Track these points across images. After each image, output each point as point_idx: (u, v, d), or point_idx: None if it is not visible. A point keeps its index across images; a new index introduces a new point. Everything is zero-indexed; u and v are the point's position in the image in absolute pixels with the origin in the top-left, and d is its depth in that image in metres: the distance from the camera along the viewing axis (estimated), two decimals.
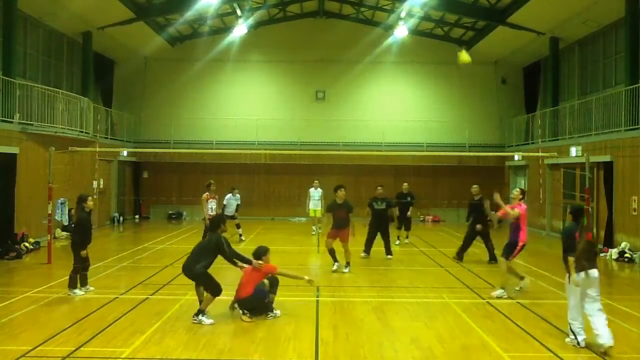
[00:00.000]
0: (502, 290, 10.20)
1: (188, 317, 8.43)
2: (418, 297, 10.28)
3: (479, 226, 14.10)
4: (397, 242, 17.22)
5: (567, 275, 7.30)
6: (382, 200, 14.34)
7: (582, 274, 7.13)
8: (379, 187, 14.69)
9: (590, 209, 14.10)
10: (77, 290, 9.91)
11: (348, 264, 12.55)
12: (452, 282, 11.68)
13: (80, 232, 9.99)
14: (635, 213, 15.30)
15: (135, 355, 6.80)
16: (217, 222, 8.82)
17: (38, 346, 7.02)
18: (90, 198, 10.24)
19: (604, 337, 6.95)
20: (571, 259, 7.23)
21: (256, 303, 8.51)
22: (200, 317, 8.14)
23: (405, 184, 18.01)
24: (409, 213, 17.26)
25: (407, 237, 17.61)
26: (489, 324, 8.38)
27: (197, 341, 7.37)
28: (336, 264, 12.56)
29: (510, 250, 10.31)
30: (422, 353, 7.03)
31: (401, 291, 10.82)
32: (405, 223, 17.33)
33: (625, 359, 6.92)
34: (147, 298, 9.74)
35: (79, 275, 10.02)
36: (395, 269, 13.38)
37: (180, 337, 7.51)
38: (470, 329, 8.09)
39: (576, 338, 7.20)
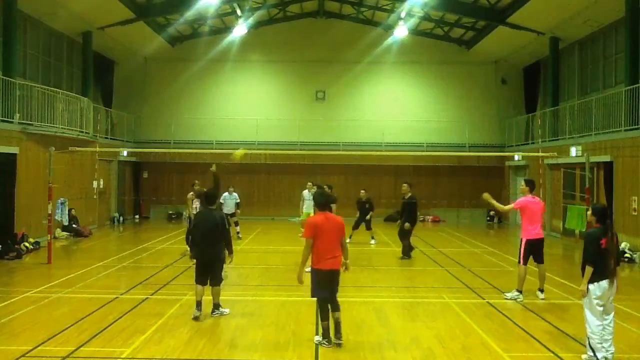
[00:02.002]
0: (517, 293, 9.90)
1: (188, 317, 8.43)
2: (418, 297, 10.28)
3: (407, 225, 14.45)
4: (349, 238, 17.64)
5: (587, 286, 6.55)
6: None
7: (600, 284, 6.51)
8: (325, 186, 14.84)
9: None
10: None
11: None
12: (452, 282, 11.68)
13: None
14: (635, 213, 15.30)
15: (135, 355, 6.80)
16: (213, 196, 8.58)
17: (38, 346, 7.01)
18: None
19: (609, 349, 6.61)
20: (589, 269, 6.49)
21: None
22: (220, 309, 8.46)
23: (363, 191, 18.04)
24: (368, 216, 17.49)
25: (372, 238, 17.84)
26: (489, 324, 8.37)
27: (197, 341, 7.37)
28: None
29: (520, 253, 9.96)
30: (422, 353, 7.03)
31: (401, 291, 10.81)
32: (365, 223, 17.61)
33: (625, 359, 6.92)
34: (147, 298, 9.74)
35: None
36: (395, 269, 13.39)
37: (181, 337, 7.51)
38: (470, 329, 8.08)
39: (595, 355, 6.47)
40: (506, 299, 9.92)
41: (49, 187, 13.48)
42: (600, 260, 6.49)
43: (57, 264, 13.12)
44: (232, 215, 17.95)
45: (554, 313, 8.93)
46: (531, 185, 10.08)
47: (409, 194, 14.66)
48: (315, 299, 7.41)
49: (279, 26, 26.94)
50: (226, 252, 8.58)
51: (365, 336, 7.70)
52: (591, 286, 6.52)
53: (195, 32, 26.49)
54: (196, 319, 8.29)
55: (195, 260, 8.66)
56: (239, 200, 18.25)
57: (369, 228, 17.74)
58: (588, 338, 6.58)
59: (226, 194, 18.02)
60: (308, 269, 7.29)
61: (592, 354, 6.53)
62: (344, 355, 6.88)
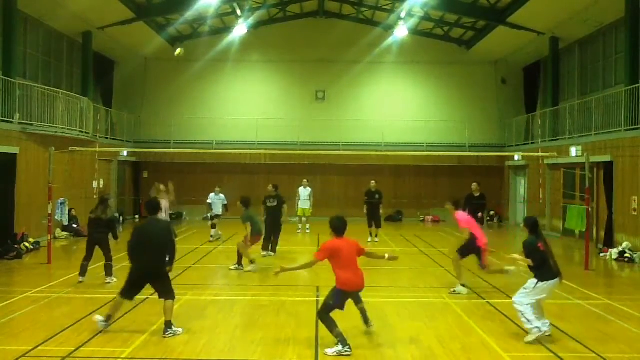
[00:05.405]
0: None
1: (188, 317, 8.44)
2: (418, 297, 10.28)
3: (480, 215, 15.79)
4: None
5: (535, 281, 7.43)
6: (274, 198, 14.58)
7: (549, 283, 7.42)
8: (270, 186, 14.93)
9: (590, 209, 14.10)
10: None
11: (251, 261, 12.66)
12: (452, 282, 11.63)
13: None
14: (635, 213, 15.29)
15: (135, 355, 6.80)
16: (156, 205, 8.30)
17: (38, 346, 7.02)
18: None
19: (546, 324, 7.51)
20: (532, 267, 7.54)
21: None
22: (174, 328, 7.59)
23: (373, 182, 18.39)
24: (380, 212, 17.83)
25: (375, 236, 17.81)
26: (489, 324, 8.37)
27: (197, 341, 7.37)
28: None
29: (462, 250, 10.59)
30: (422, 353, 7.03)
31: (401, 291, 10.82)
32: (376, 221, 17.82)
33: (625, 359, 6.92)
34: (147, 298, 9.69)
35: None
36: (395, 269, 13.35)
37: (180, 337, 7.51)
38: (470, 329, 8.09)
39: (536, 326, 7.26)
40: (454, 292, 10.37)
41: (49, 187, 13.48)
42: (544, 261, 7.41)
43: (57, 264, 13.11)
44: (217, 217, 17.59)
45: (554, 313, 8.90)
46: (457, 204, 10.81)
47: (479, 193, 15.83)
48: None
49: (279, 26, 26.93)
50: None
51: (365, 336, 7.69)
52: (540, 284, 7.38)
53: (195, 32, 26.48)
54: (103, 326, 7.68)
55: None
56: (226, 202, 17.60)
57: (379, 226, 17.72)
58: (523, 314, 7.33)
59: (212, 194, 17.67)
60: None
61: (531, 325, 7.26)
62: (344, 355, 6.87)
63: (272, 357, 6.90)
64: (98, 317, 7.72)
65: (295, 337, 7.56)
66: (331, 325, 6.96)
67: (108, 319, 7.69)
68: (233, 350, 7.16)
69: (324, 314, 7.08)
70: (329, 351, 6.85)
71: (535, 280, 7.40)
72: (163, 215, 14.59)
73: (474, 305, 9.61)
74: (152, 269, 7.72)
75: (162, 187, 15.40)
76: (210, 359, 6.82)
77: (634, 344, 7.48)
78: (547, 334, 7.55)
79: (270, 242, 14.34)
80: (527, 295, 7.44)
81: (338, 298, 7.15)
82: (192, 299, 9.91)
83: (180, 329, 7.69)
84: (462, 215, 10.59)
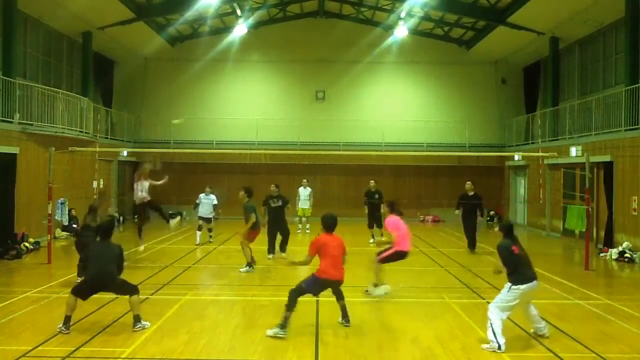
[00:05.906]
0: (386, 286, 10.20)
1: (188, 317, 8.43)
2: (418, 297, 10.28)
3: (480, 219, 16.05)
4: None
5: (509, 285, 7.36)
6: (277, 198, 14.16)
7: (522, 287, 7.32)
8: (272, 186, 14.47)
9: (590, 209, 14.09)
10: None
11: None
12: (452, 282, 11.68)
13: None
14: (635, 213, 15.29)
15: (135, 355, 6.80)
16: (111, 229, 8.23)
17: (38, 346, 7.02)
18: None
19: (544, 327, 7.66)
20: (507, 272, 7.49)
21: None
22: (142, 322, 7.81)
23: (372, 181, 18.27)
24: (382, 210, 17.21)
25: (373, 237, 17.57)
26: None
27: (197, 341, 7.37)
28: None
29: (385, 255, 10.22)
30: (422, 353, 7.03)
31: (401, 291, 10.80)
32: (376, 221, 17.50)
33: (625, 359, 6.92)
34: (147, 298, 9.72)
35: None
36: (395, 269, 13.32)
37: (180, 337, 7.51)
38: (470, 329, 8.09)
39: (498, 342, 7.03)
40: (371, 294, 10.07)
41: (49, 187, 13.47)
42: (518, 265, 7.42)
43: (57, 264, 13.11)
44: (209, 220, 17.07)
45: (554, 313, 8.92)
46: (392, 207, 10.57)
47: (473, 192, 15.99)
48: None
49: (279, 26, 26.93)
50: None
51: (365, 336, 7.70)
52: (514, 287, 7.29)
53: (195, 32, 26.49)
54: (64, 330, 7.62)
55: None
56: (216, 202, 17.22)
57: (379, 226, 17.58)
58: (492, 323, 7.14)
59: (202, 195, 17.18)
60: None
61: (493, 339, 7.06)
62: (343, 355, 6.88)
63: (272, 357, 6.90)
64: (59, 327, 7.65)
65: (295, 337, 7.55)
66: (290, 306, 7.57)
67: (67, 320, 7.65)
68: (233, 350, 7.16)
69: (293, 294, 7.68)
70: (269, 332, 7.54)
71: (509, 284, 7.35)
72: (142, 194, 14.38)
73: (474, 305, 9.61)
74: (101, 283, 7.86)
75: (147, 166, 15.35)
76: (210, 359, 6.82)
77: (634, 344, 7.48)
78: (545, 335, 7.57)
79: (274, 244, 14.06)
80: (501, 304, 7.28)
81: (312, 284, 7.84)
82: (192, 299, 9.91)
83: (147, 323, 7.87)
84: (391, 220, 10.29)
